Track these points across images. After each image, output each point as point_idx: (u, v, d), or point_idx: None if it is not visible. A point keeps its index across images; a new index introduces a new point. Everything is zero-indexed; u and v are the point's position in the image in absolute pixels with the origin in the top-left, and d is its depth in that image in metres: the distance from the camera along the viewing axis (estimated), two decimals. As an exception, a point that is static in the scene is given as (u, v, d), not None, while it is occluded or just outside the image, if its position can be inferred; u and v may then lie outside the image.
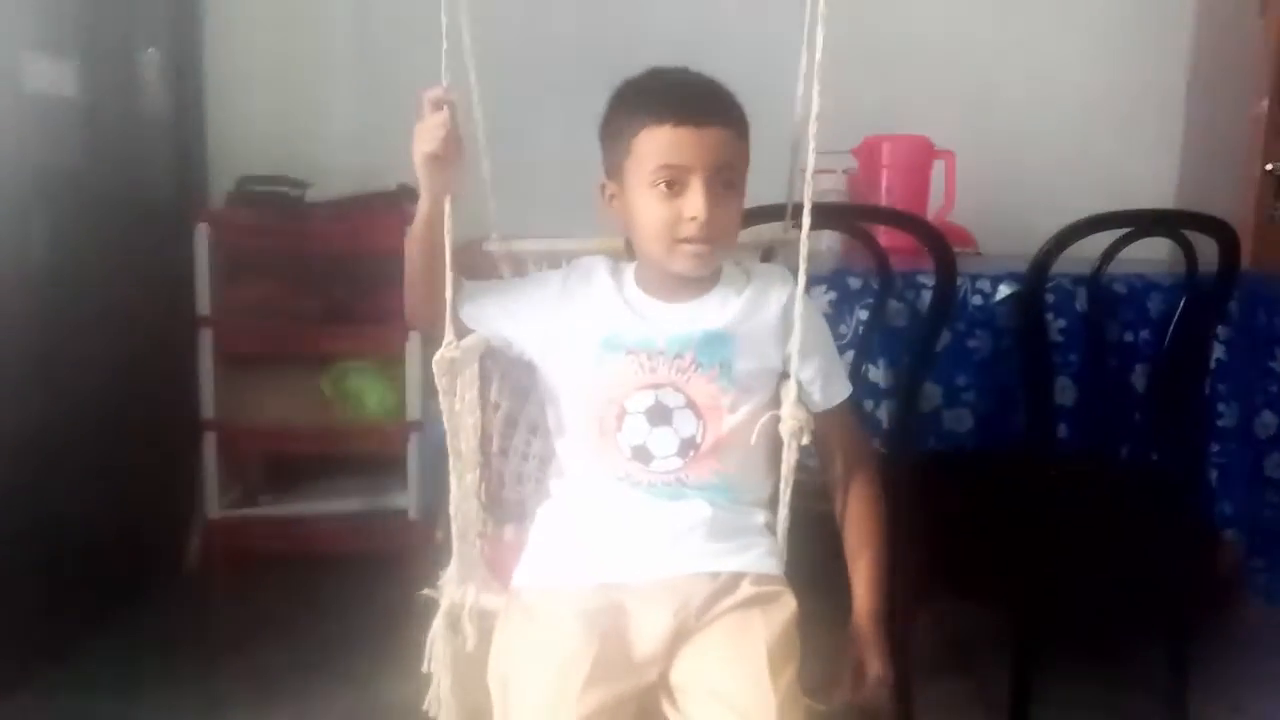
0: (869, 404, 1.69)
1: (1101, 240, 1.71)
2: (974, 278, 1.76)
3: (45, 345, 2.02)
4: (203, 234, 2.44)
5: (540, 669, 1.03)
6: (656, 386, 1.14)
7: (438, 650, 1.20)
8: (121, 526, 2.23)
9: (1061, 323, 1.78)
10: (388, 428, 2.54)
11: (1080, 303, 1.79)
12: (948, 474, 1.85)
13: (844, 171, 2.37)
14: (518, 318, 1.22)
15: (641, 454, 1.15)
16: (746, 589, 1.11)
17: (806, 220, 1.10)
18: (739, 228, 1.18)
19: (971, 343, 1.74)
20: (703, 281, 1.19)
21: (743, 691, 1.01)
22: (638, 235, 1.17)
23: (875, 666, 1.14)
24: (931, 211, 2.29)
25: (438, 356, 1.12)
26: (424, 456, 2.45)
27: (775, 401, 1.18)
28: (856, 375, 1.67)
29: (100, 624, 2.14)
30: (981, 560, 1.96)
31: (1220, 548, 1.91)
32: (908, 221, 1.69)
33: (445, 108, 1.08)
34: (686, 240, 1.12)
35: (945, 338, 1.72)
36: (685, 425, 1.14)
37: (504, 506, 1.35)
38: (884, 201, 2.29)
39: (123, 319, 2.24)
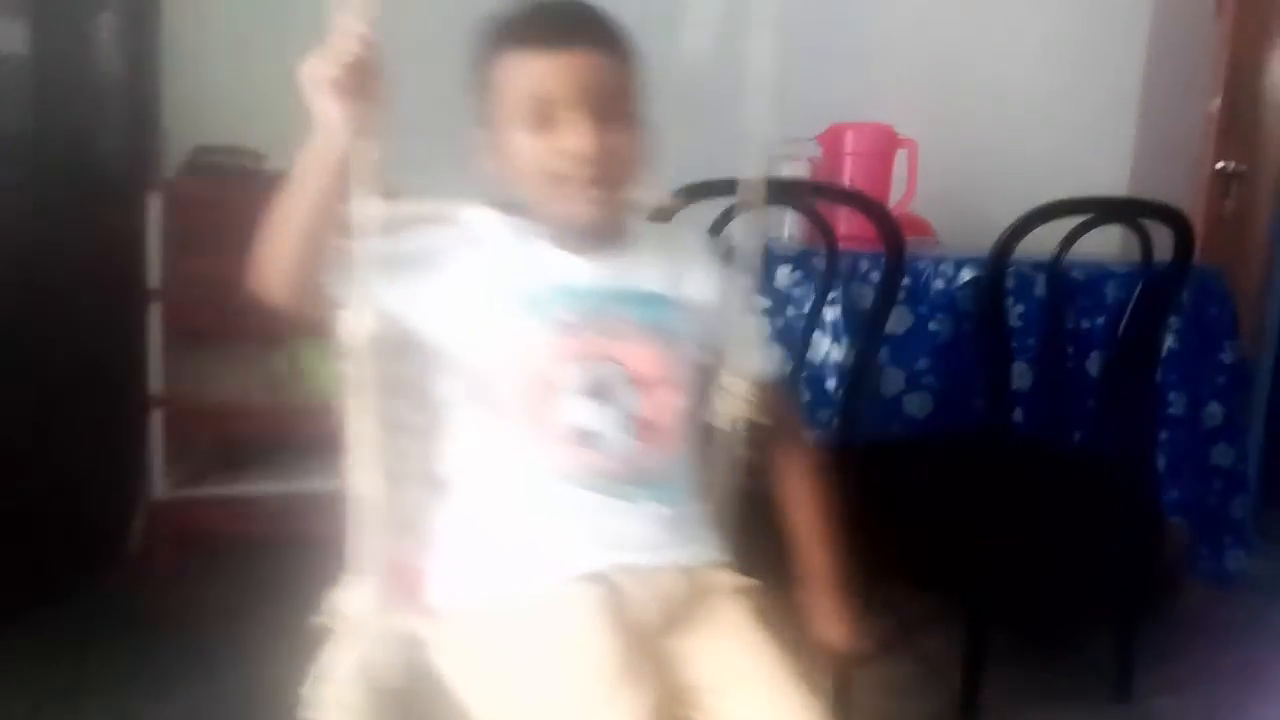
0: (831, 384, 1.70)
1: (1060, 230, 1.74)
2: (937, 261, 1.78)
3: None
4: (155, 204, 2.37)
5: (565, 670, 0.89)
6: (594, 358, 0.98)
7: (346, 694, 1.00)
8: (62, 506, 2.16)
9: (1021, 308, 1.81)
10: (343, 406, 2.50)
11: (1039, 289, 1.82)
12: (901, 458, 1.87)
13: (809, 158, 2.38)
14: (413, 286, 0.99)
15: (588, 438, 0.97)
16: (723, 580, 1.03)
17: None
18: (639, 166, 1.00)
19: (933, 326, 1.76)
20: (611, 235, 1.03)
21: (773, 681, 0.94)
22: (521, 185, 0.99)
23: (844, 631, 1.06)
24: (893, 202, 2.31)
25: (352, 327, 0.92)
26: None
27: (706, 376, 1.08)
28: (819, 355, 1.68)
29: (40, 607, 2.08)
30: (933, 544, 1.98)
31: (1167, 533, 1.95)
32: (855, 199, 1.70)
33: (361, 34, 0.90)
34: (572, 179, 0.96)
35: (908, 320, 1.74)
36: (629, 400, 0.98)
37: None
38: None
39: (68, 289, 2.17)
